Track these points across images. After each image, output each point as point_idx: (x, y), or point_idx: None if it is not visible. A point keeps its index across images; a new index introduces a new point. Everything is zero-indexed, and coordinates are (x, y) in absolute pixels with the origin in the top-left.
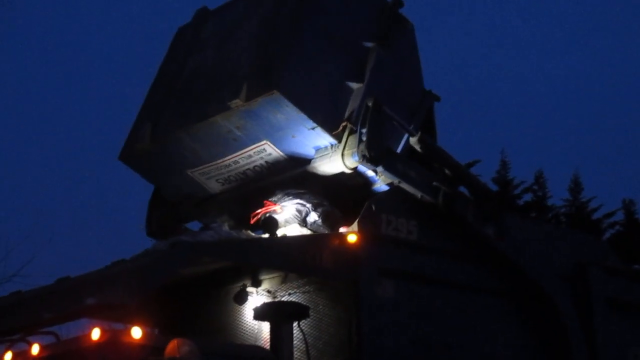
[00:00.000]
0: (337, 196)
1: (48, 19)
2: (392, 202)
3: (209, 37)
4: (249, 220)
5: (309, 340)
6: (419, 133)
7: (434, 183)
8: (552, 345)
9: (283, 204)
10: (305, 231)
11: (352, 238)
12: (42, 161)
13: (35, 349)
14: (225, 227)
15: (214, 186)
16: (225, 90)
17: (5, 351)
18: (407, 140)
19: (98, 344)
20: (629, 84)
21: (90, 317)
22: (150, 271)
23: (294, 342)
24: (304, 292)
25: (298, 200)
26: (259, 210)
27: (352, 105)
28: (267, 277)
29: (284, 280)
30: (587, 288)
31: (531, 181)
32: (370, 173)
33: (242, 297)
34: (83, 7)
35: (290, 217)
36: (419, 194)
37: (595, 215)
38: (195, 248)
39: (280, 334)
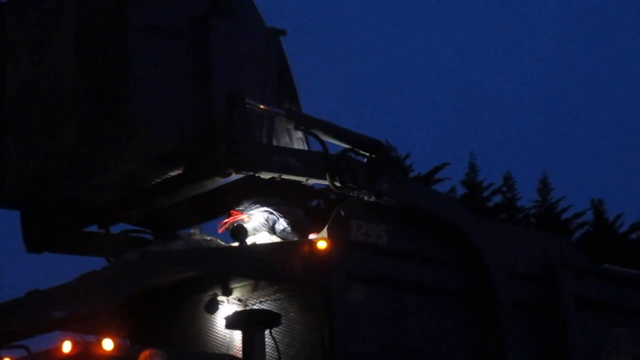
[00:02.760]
0: (307, 204)
1: None
2: (362, 207)
3: (20, 44)
4: (218, 229)
5: (281, 348)
6: (286, 110)
7: (317, 161)
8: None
9: (250, 212)
10: (275, 239)
11: (321, 244)
12: None
13: None
14: (196, 236)
15: (85, 195)
16: (73, 129)
17: None
18: (272, 119)
19: (69, 356)
20: (595, 85)
21: (61, 330)
22: (120, 282)
23: (266, 349)
24: (275, 300)
25: (265, 208)
26: (226, 220)
27: (209, 96)
28: (237, 285)
29: (254, 289)
30: (556, 288)
31: (500, 183)
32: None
33: (213, 306)
34: None
35: (258, 225)
36: (305, 180)
37: (565, 216)
38: (166, 258)
39: (252, 342)
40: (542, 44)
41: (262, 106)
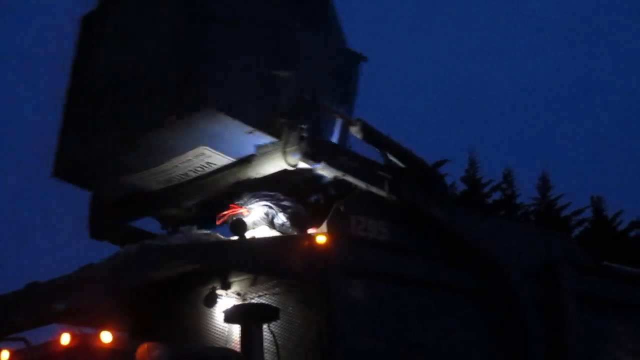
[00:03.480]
0: (307, 198)
1: None
2: (362, 202)
3: (115, 32)
4: (216, 221)
5: (280, 342)
6: (359, 121)
7: (379, 172)
8: (517, 345)
9: (250, 206)
10: (274, 233)
11: (321, 239)
12: (7, 164)
13: (4, 355)
14: (195, 230)
15: (155, 185)
16: (153, 105)
17: None
18: (343, 126)
19: (68, 348)
20: (595, 83)
21: (60, 322)
22: (119, 275)
23: (265, 344)
24: (273, 294)
25: (265, 202)
26: (224, 212)
27: (286, 94)
28: (236, 279)
29: (253, 283)
30: (557, 285)
31: (500, 180)
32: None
33: (211, 300)
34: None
35: (258, 219)
36: (364, 185)
37: (564, 213)
38: (165, 251)
39: (250, 336)
40: (542, 41)
41: (334, 110)
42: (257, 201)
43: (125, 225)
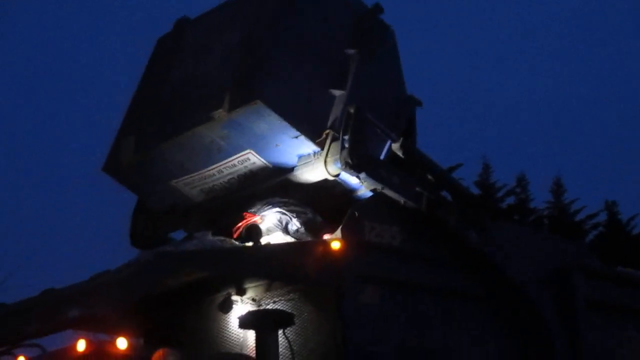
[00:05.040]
0: (321, 203)
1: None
2: (376, 208)
3: (189, 48)
4: (232, 234)
5: (295, 348)
6: (401, 139)
7: (417, 189)
8: (537, 351)
9: (263, 213)
10: (289, 239)
11: (335, 245)
12: (26, 170)
13: None
14: (209, 237)
15: (198, 195)
16: (207, 101)
17: None
18: (389, 146)
19: (83, 355)
20: (609, 87)
21: (76, 329)
22: (134, 282)
23: (280, 350)
24: (288, 300)
25: (278, 209)
26: (239, 224)
27: (335, 112)
28: (251, 285)
29: (268, 288)
30: (569, 291)
31: (513, 184)
32: (353, 180)
33: (226, 306)
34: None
35: (271, 226)
36: (402, 200)
37: (578, 217)
38: (180, 258)
39: (265, 342)
40: (555, 45)
41: (377, 125)
42: (270, 208)
43: (165, 236)
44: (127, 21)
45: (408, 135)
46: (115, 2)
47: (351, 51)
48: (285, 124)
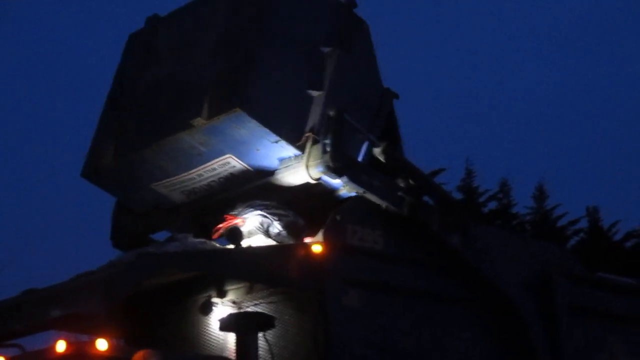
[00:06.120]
0: (303, 205)
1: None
2: (358, 211)
3: (164, 48)
4: (212, 235)
5: (275, 351)
6: (383, 144)
7: (399, 193)
8: (519, 355)
9: (245, 216)
10: (270, 242)
11: (317, 248)
12: (9, 170)
13: None
14: (191, 238)
15: (179, 197)
16: (186, 107)
17: None
18: (369, 147)
19: (63, 356)
20: (592, 92)
21: (56, 329)
22: (115, 282)
23: (260, 352)
24: (269, 303)
25: (260, 212)
26: (220, 225)
27: (314, 114)
28: (232, 287)
29: (249, 291)
30: (551, 296)
31: (496, 189)
32: (335, 182)
33: (207, 308)
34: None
35: (253, 228)
36: (383, 204)
37: (560, 223)
38: (161, 259)
39: (246, 344)
40: (539, 52)
41: (358, 129)
42: (251, 211)
43: (147, 237)
44: (127, 20)
45: (390, 129)
46: (115, 2)
47: (327, 49)
48: (265, 129)
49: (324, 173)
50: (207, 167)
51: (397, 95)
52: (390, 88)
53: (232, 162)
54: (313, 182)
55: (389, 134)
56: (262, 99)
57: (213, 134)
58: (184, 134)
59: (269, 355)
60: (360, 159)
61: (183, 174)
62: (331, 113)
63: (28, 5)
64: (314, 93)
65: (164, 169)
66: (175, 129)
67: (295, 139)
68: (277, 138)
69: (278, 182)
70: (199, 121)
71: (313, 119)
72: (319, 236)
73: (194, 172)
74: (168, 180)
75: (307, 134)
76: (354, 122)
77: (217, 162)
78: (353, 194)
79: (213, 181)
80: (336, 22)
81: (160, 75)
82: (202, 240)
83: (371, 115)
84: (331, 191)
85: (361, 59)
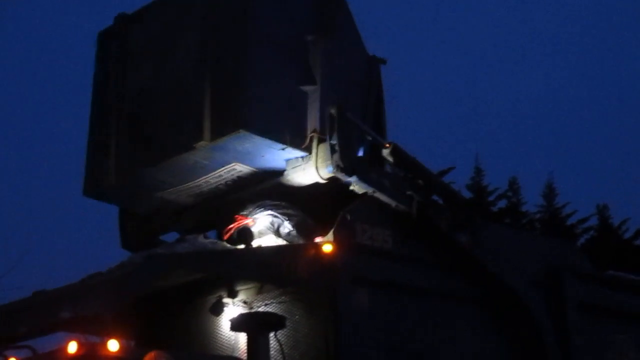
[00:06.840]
0: (312, 205)
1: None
2: (367, 211)
3: (141, 51)
4: (223, 235)
5: (286, 351)
6: (392, 145)
7: (408, 192)
8: (528, 353)
9: (255, 216)
10: (281, 242)
11: (327, 248)
12: (16, 171)
13: None
14: (201, 239)
15: (187, 200)
16: (187, 130)
17: None
18: (370, 142)
19: (75, 357)
20: (602, 90)
21: (67, 331)
22: (125, 283)
23: (271, 352)
24: (280, 303)
25: (270, 212)
26: (231, 225)
27: (312, 110)
28: (243, 287)
29: (260, 291)
30: (560, 293)
31: (505, 188)
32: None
33: (218, 308)
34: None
35: (263, 228)
36: (393, 203)
37: (570, 221)
38: (171, 260)
39: (256, 344)
40: (549, 48)
41: (364, 128)
42: (262, 211)
43: (156, 238)
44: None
45: (377, 97)
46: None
47: (311, 37)
48: (269, 141)
49: (335, 173)
50: (213, 174)
51: (385, 61)
52: (375, 55)
53: (239, 168)
54: (323, 181)
55: (375, 98)
56: (262, 111)
57: (217, 150)
58: (187, 154)
59: (280, 355)
60: (361, 154)
61: (189, 183)
62: (332, 111)
63: (28, 5)
64: (308, 88)
65: (168, 181)
66: (178, 150)
67: (299, 142)
68: (283, 146)
69: (287, 183)
70: (202, 144)
71: (313, 116)
72: (329, 235)
73: (201, 180)
74: (174, 188)
75: (311, 134)
76: (356, 120)
77: (223, 170)
78: (361, 190)
79: (220, 184)
80: (317, 8)
81: (146, 85)
82: (213, 240)
83: (362, 90)
84: (342, 189)
85: (345, 39)
